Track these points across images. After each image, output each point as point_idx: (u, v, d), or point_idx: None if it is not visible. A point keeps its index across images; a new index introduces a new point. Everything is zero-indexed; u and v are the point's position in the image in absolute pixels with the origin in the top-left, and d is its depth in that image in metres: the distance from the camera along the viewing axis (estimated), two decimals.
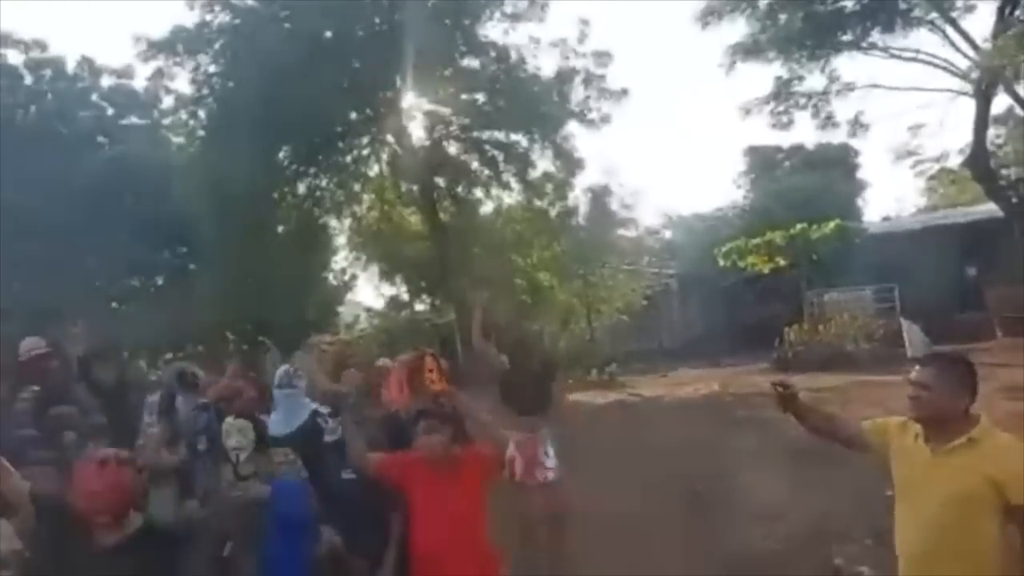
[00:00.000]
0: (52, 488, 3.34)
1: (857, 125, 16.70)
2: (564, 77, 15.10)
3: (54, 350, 5.36)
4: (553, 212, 16.33)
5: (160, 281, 16.74)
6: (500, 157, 15.66)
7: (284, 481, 3.47)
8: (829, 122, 16.62)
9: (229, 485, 3.60)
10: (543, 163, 15.63)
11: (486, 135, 15.69)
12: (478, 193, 16.64)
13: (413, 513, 3.04)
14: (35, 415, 4.44)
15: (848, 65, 18.74)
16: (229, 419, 3.72)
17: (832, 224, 15.73)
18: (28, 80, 15.12)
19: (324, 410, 3.75)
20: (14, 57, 14.99)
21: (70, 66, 15.55)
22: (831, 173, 25.63)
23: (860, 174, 28.89)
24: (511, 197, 16.83)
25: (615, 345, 16.90)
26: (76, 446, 4.01)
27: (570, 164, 15.39)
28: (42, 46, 15.22)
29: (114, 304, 16.18)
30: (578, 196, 16.86)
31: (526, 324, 13.51)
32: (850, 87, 16.16)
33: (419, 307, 20.64)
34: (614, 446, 8.29)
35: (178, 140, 17.07)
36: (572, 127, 15.22)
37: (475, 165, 16.12)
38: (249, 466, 3.63)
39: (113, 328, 14.31)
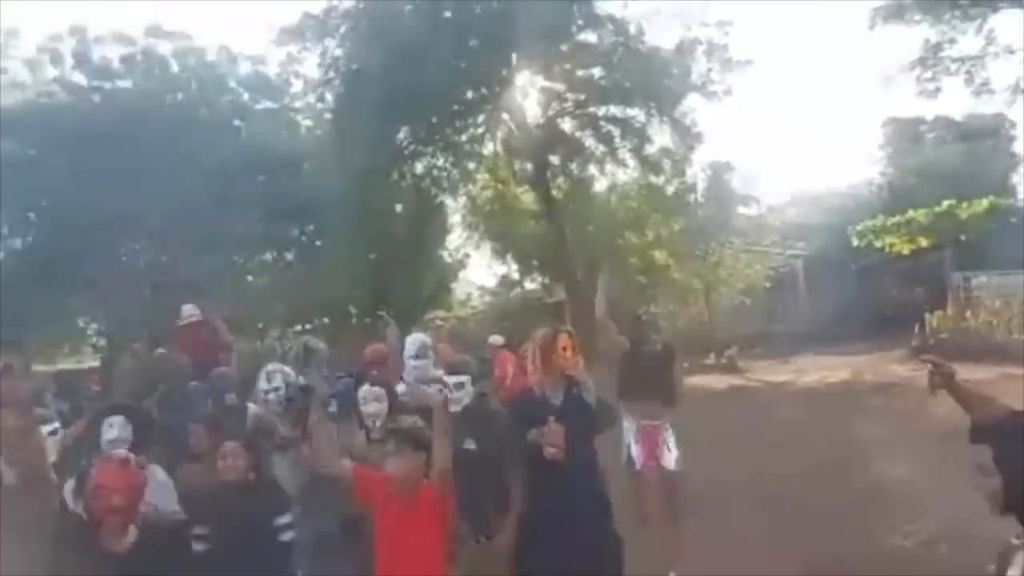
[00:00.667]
0: (203, 446, 3.59)
1: (1017, 92, 15.05)
2: (685, 48, 14.53)
3: (206, 318, 5.80)
4: (670, 189, 15.85)
5: (290, 256, 17.66)
6: (616, 133, 15.34)
7: None
8: (984, 89, 15.09)
9: (362, 448, 3.72)
10: (661, 138, 15.18)
11: (602, 111, 15.41)
12: (592, 170, 16.42)
13: (376, 537, 2.95)
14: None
15: (1008, 25, 16.91)
16: (365, 386, 3.83)
17: (985, 202, 14.27)
18: (175, 68, 16.27)
19: (450, 380, 3.79)
20: (163, 47, 16.16)
21: (210, 55, 16.59)
22: (982, 146, 23.27)
23: (1017, 147, 26.06)
24: (626, 174, 16.50)
25: (735, 328, 16.22)
26: (235, 407, 4.25)
27: (689, 139, 14.84)
28: (187, 37, 16.33)
29: (249, 277, 17.22)
30: (697, 172, 16.28)
31: (643, 305, 13.24)
32: (1009, 50, 14.57)
33: (530, 286, 20.72)
34: (733, 433, 7.97)
35: (306, 123, 17.91)
36: (692, 100, 14.66)
37: (590, 142, 15.89)
38: (382, 432, 3.75)
39: (249, 301, 15.31)
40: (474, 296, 22.27)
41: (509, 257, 20.02)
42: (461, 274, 20.22)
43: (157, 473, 3.29)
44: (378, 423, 3.68)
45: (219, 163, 14.10)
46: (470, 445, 3.29)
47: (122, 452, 2.84)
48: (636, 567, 3.78)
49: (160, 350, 5.57)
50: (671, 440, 4.79)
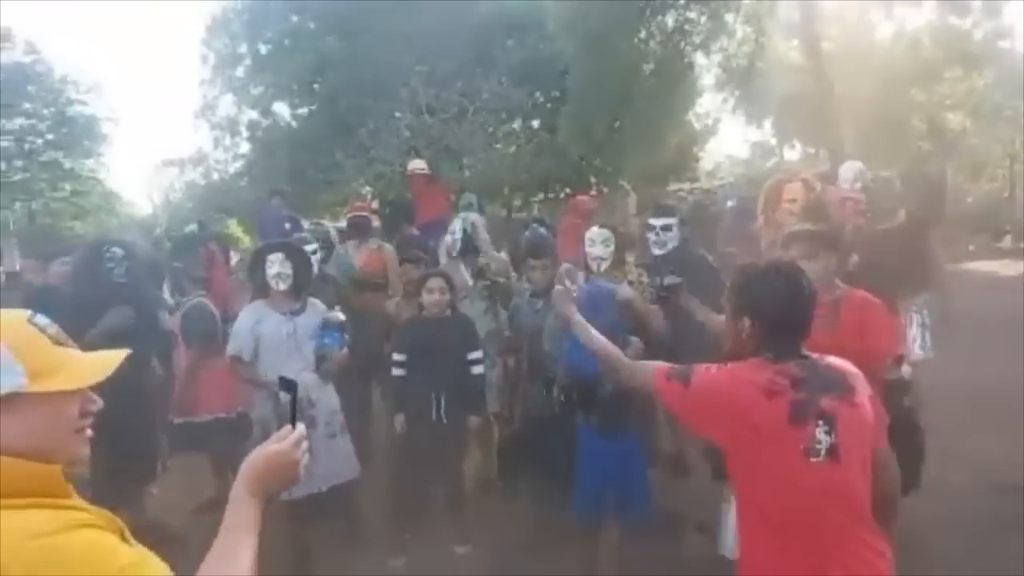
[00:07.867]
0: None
1: None
2: None
3: (431, 174, 6.18)
4: (978, 33, 12.98)
5: (535, 124, 17.81)
6: None
7: (598, 286, 3.38)
8: None
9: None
10: None
11: None
12: (875, 15, 13.94)
13: None
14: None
15: None
16: (595, 228, 3.84)
17: None
18: None
19: (656, 223, 4.09)
20: None
21: None
22: None
23: None
24: (919, 17, 13.78)
25: None
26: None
27: None
28: None
29: (497, 146, 17.76)
30: (1020, 10, 13.08)
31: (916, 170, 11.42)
32: None
33: (789, 154, 18.87)
34: (1012, 327, 6.58)
35: None
36: None
37: None
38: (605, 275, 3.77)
39: (495, 169, 15.89)
40: (723, 166, 20.89)
41: (767, 123, 18.27)
42: (710, 142, 18.96)
43: (319, 306, 3.55)
44: (603, 267, 3.70)
45: (469, 30, 14.41)
46: (672, 280, 3.10)
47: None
48: None
49: None
50: (914, 332, 4.00)
